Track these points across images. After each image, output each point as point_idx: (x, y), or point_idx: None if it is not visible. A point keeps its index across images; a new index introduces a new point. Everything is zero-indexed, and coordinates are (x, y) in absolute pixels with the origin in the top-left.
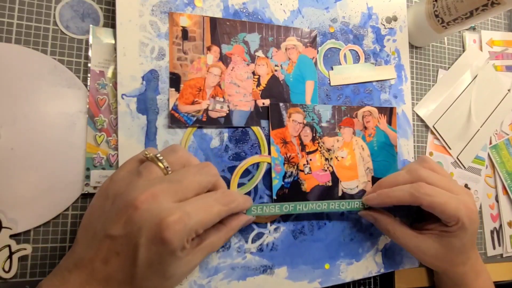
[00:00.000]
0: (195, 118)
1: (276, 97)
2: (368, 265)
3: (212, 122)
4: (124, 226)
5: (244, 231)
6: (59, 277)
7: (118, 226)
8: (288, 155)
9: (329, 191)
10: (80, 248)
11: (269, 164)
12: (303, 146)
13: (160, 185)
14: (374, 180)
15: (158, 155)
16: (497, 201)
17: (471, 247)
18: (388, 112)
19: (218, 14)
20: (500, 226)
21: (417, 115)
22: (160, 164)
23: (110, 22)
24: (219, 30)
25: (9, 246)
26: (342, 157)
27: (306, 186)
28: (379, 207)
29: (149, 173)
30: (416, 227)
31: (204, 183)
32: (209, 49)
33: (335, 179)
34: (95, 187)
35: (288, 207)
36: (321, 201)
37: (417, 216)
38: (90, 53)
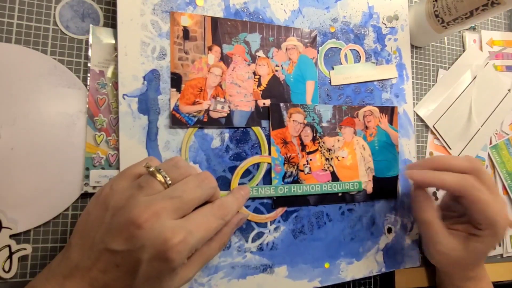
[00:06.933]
0: (196, 119)
1: (276, 97)
2: (368, 265)
3: (213, 123)
4: (126, 242)
5: (244, 230)
6: (53, 282)
7: (119, 241)
8: (288, 155)
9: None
10: (76, 255)
11: (270, 164)
12: (303, 146)
13: (162, 202)
14: (375, 179)
15: (160, 170)
16: None
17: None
18: (390, 112)
19: (219, 14)
20: None
21: (417, 115)
22: (161, 179)
23: (110, 22)
24: (220, 30)
25: (9, 246)
26: (343, 157)
27: None
28: (419, 184)
29: (150, 188)
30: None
31: (203, 196)
32: (210, 49)
33: (335, 179)
34: (94, 187)
35: (283, 189)
36: (315, 183)
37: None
38: (90, 53)
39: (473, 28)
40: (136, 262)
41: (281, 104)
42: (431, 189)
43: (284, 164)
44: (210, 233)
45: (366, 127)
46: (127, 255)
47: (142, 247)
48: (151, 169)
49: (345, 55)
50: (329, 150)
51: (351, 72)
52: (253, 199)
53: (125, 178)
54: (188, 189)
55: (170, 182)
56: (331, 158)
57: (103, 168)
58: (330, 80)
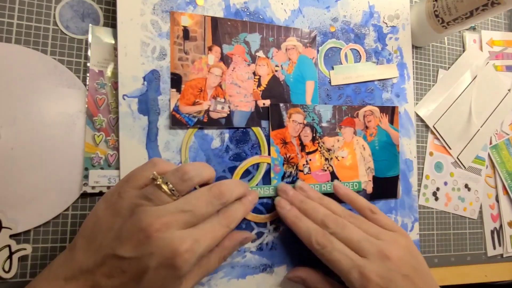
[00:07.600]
0: (196, 119)
1: (276, 97)
2: None
3: (213, 123)
4: (135, 249)
5: (244, 230)
6: (54, 284)
7: (128, 248)
8: (287, 156)
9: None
10: (81, 258)
11: (269, 164)
12: (302, 146)
13: (174, 215)
14: (375, 179)
15: (168, 182)
16: (498, 201)
17: None
18: (390, 111)
19: (220, 13)
20: (501, 226)
21: (417, 115)
22: (167, 191)
23: (110, 22)
24: (220, 30)
25: (9, 246)
26: (343, 157)
27: None
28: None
29: (158, 200)
30: None
31: (214, 211)
32: (210, 49)
33: (334, 179)
34: (93, 187)
35: None
36: (314, 183)
37: None
38: (89, 53)
39: (473, 28)
40: (143, 268)
41: (281, 104)
42: (432, 188)
43: (283, 164)
44: (217, 241)
45: (366, 127)
46: (134, 262)
47: (151, 254)
48: (157, 182)
49: (345, 55)
50: (328, 150)
51: (351, 72)
52: None
53: (132, 186)
54: (200, 204)
55: (178, 194)
56: (331, 158)
57: (102, 168)
58: (330, 80)
